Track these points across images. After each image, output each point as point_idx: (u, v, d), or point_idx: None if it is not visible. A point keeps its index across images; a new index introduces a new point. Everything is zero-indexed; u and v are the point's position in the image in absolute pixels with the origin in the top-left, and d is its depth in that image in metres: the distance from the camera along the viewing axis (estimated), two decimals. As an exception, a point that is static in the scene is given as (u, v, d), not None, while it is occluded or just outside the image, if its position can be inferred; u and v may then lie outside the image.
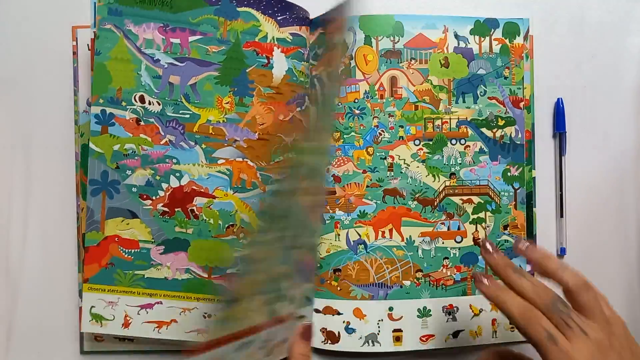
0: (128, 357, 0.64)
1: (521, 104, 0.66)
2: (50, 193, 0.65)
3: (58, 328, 0.64)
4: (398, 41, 0.65)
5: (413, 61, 0.65)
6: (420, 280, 0.64)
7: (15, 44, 0.65)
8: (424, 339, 0.63)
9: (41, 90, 0.65)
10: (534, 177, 0.66)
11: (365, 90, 0.65)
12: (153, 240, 0.60)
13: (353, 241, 0.64)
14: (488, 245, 0.53)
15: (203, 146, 0.61)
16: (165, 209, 0.60)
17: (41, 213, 0.65)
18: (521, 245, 0.53)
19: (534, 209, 0.66)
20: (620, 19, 0.69)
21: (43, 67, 0.65)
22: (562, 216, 0.67)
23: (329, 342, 0.63)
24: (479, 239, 0.65)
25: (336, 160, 0.64)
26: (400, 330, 0.63)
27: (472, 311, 0.64)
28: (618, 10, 0.69)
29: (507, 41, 0.66)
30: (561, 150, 0.68)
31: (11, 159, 0.65)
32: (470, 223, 0.65)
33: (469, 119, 0.65)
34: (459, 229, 0.65)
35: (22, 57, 0.65)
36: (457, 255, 0.65)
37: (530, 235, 0.66)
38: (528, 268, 0.63)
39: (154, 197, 0.60)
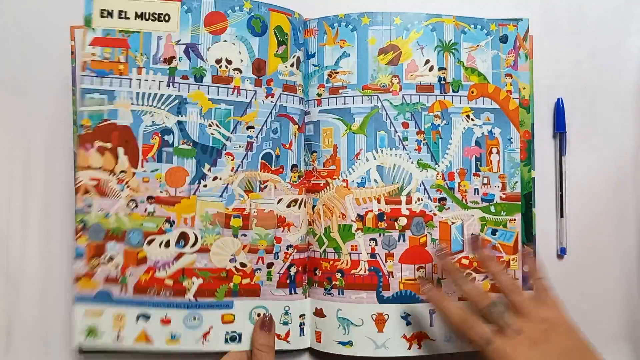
0: (126, 356, 0.64)
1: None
2: (49, 193, 0.65)
3: (57, 327, 0.64)
4: None
5: None
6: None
7: (15, 44, 0.65)
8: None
9: (40, 90, 0.65)
10: (534, 177, 0.66)
11: None
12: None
13: None
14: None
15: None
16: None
17: (40, 213, 0.65)
18: (475, 242, 0.60)
19: (533, 209, 0.65)
20: (620, 19, 0.69)
21: (42, 67, 0.65)
22: (562, 216, 0.67)
23: None
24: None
25: None
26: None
27: None
28: (618, 10, 0.69)
29: None
30: (561, 150, 0.67)
31: (11, 159, 0.65)
32: None
33: None
34: None
35: (21, 57, 0.65)
36: None
37: (530, 236, 0.65)
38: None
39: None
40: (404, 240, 0.63)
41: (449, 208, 0.64)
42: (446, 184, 0.64)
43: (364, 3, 0.67)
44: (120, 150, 0.60)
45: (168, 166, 0.61)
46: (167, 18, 0.61)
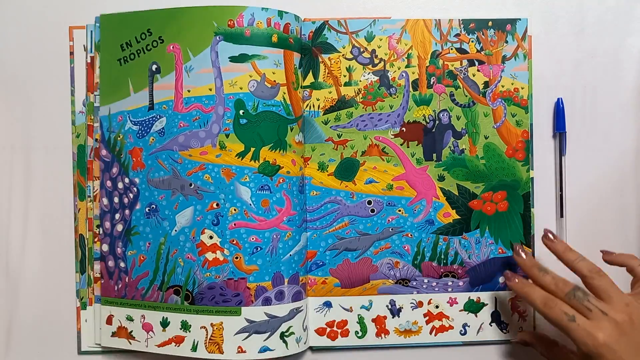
0: (124, 356, 0.64)
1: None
2: (48, 193, 0.65)
3: (56, 328, 0.65)
4: None
5: None
6: None
7: (14, 45, 0.65)
8: None
9: (39, 90, 0.65)
10: (532, 177, 0.66)
11: None
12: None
13: None
14: (518, 249, 0.62)
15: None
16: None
17: (40, 213, 0.65)
18: (547, 239, 0.61)
19: (532, 209, 0.65)
20: (620, 19, 0.69)
21: (41, 67, 0.65)
22: (562, 216, 0.67)
23: None
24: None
25: None
26: None
27: None
28: (618, 10, 0.69)
29: None
30: (561, 150, 0.67)
31: (10, 159, 0.65)
32: None
33: None
34: None
35: (20, 58, 0.65)
36: None
37: (528, 235, 0.66)
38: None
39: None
40: None
41: None
42: None
43: (362, 3, 0.67)
44: None
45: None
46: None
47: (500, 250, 0.65)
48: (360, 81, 0.65)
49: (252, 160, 0.60)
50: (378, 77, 0.65)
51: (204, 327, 0.60)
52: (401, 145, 0.65)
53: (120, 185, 0.63)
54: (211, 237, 0.60)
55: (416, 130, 0.65)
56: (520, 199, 0.65)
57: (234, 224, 0.60)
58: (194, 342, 0.61)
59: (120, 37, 0.62)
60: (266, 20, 0.60)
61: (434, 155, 0.65)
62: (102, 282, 0.63)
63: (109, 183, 0.63)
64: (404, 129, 0.65)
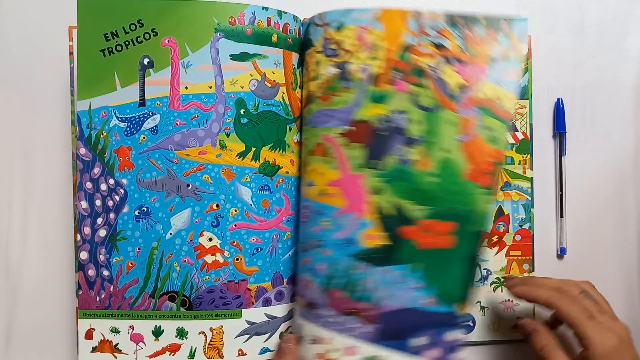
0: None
1: None
2: (49, 193, 0.65)
3: (56, 328, 0.65)
4: None
5: None
6: None
7: (13, 45, 0.65)
8: None
9: (39, 90, 0.65)
10: (532, 178, 0.66)
11: None
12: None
13: None
14: (509, 280, 0.59)
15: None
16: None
17: (40, 213, 0.65)
18: (512, 283, 0.58)
19: (531, 209, 0.65)
20: (620, 19, 0.69)
21: (40, 67, 0.65)
22: (562, 216, 0.67)
23: None
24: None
25: None
26: None
27: None
28: (618, 10, 0.69)
29: None
30: (561, 150, 0.67)
31: (11, 159, 0.65)
32: None
33: None
34: None
35: (19, 58, 0.65)
36: None
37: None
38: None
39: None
40: None
41: None
42: None
43: (363, 2, 0.67)
44: None
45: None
46: None
47: (428, 301, 0.56)
48: (322, 75, 0.59)
49: (252, 160, 0.60)
50: (340, 70, 0.58)
51: (203, 333, 0.59)
52: (345, 146, 0.57)
53: (103, 187, 0.59)
54: (210, 239, 0.59)
55: (363, 131, 0.57)
56: (471, 238, 0.56)
57: (235, 225, 0.60)
58: (191, 349, 0.59)
59: (103, 26, 0.58)
60: (266, 19, 0.60)
61: (377, 162, 0.57)
62: (81, 293, 0.59)
63: (89, 184, 0.60)
64: (353, 127, 0.57)
